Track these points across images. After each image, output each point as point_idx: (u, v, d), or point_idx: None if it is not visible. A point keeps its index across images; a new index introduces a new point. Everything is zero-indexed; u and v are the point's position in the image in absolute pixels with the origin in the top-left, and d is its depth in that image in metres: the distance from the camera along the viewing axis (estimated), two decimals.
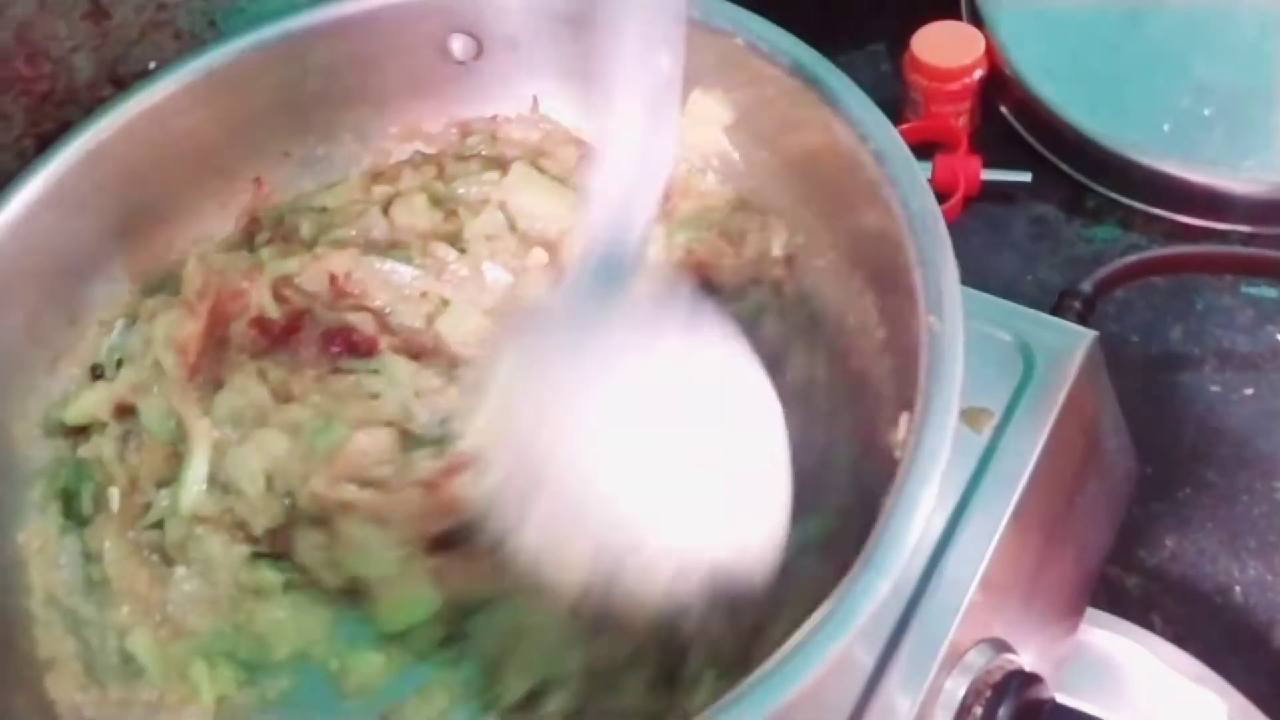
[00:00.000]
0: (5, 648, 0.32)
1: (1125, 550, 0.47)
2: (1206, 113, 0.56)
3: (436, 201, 0.40)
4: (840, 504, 0.31)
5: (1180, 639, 0.43)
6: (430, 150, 0.42)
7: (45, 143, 0.37)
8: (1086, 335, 0.40)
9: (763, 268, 0.36)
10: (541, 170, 0.40)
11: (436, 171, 0.42)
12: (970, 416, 0.39)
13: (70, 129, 0.37)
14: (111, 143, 0.37)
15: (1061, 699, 0.42)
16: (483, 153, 0.42)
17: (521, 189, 0.40)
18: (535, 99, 0.42)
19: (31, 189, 0.36)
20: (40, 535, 0.34)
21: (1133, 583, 0.47)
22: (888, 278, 0.31)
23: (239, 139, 0.40)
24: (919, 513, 0.24)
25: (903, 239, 0.28)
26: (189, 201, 0.40)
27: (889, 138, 0.30)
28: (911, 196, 0.28)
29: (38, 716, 0.31)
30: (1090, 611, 0.44)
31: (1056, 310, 0.46)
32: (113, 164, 0.37)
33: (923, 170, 0.58)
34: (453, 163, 0.42)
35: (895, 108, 0.63)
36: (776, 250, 0.37)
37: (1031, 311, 0.41)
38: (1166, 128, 0.57)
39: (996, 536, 0.36)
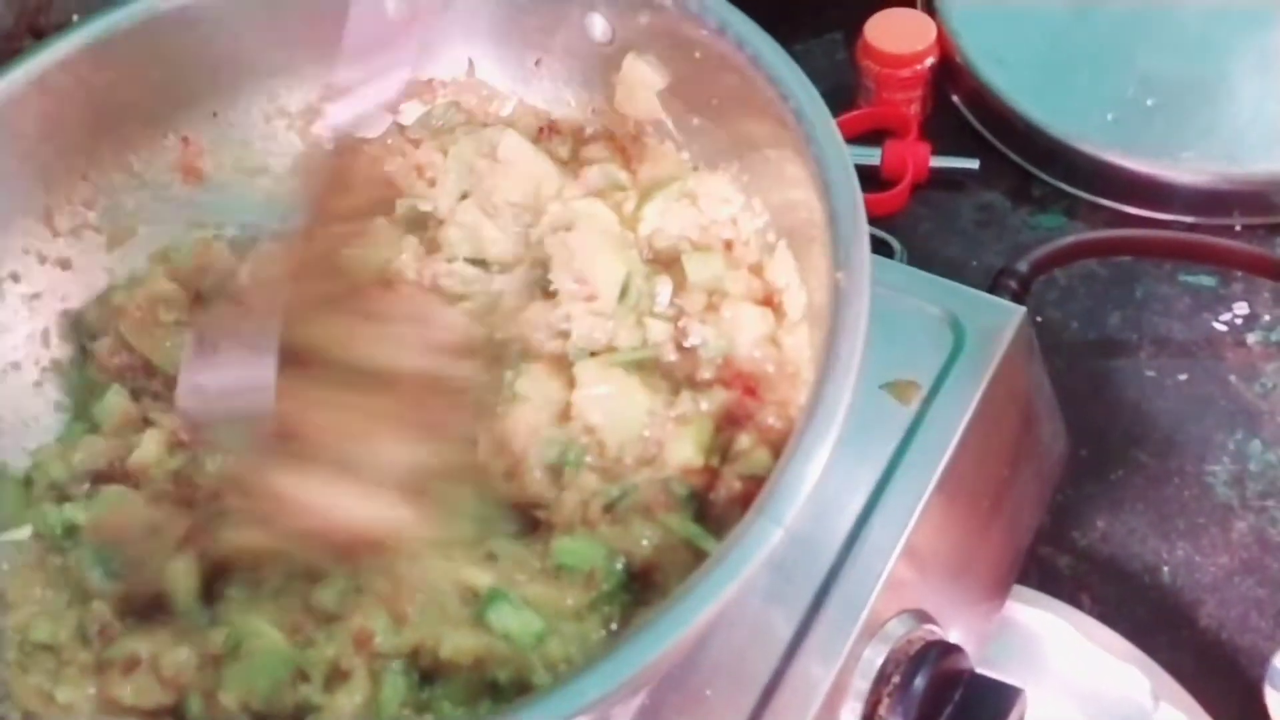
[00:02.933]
0: None
1: (1057, 530, 0.48)
2: (1149, 103, 0.57)
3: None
4: None
5: (1108, 618, 0.44)
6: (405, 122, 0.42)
7: None
8: (1017, 311, 0.40)
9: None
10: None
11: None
12: (898, 389, 0.39)
13: None
14: (26, 94, 0.36)
15: (985, 673, 0.42)
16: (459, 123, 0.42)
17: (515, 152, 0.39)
18: (470, 62, 0.42)
19: None
20: None
21: (1064, 562, 0.47)
22: (805, 241, 0.31)
23: (164, 94, 0.40)
24: (814, 461, 0.24)
25: (817, 196, 0.28)
26: (110, 155, 0.40)
27: (809, 96, 0.30)
28: (827, 152, 0.28)
29: None
30: (1017, 588, 0.44)
31: (992, 289, 0.46)
32: (28, 114, 0.37)
33: (871, 156, 0.61)
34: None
35: (849, 95, 0.63)
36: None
37: (964, 288, 0.42)
38: (1110, 117, 0.57)
39: (919, 507, 0.36)
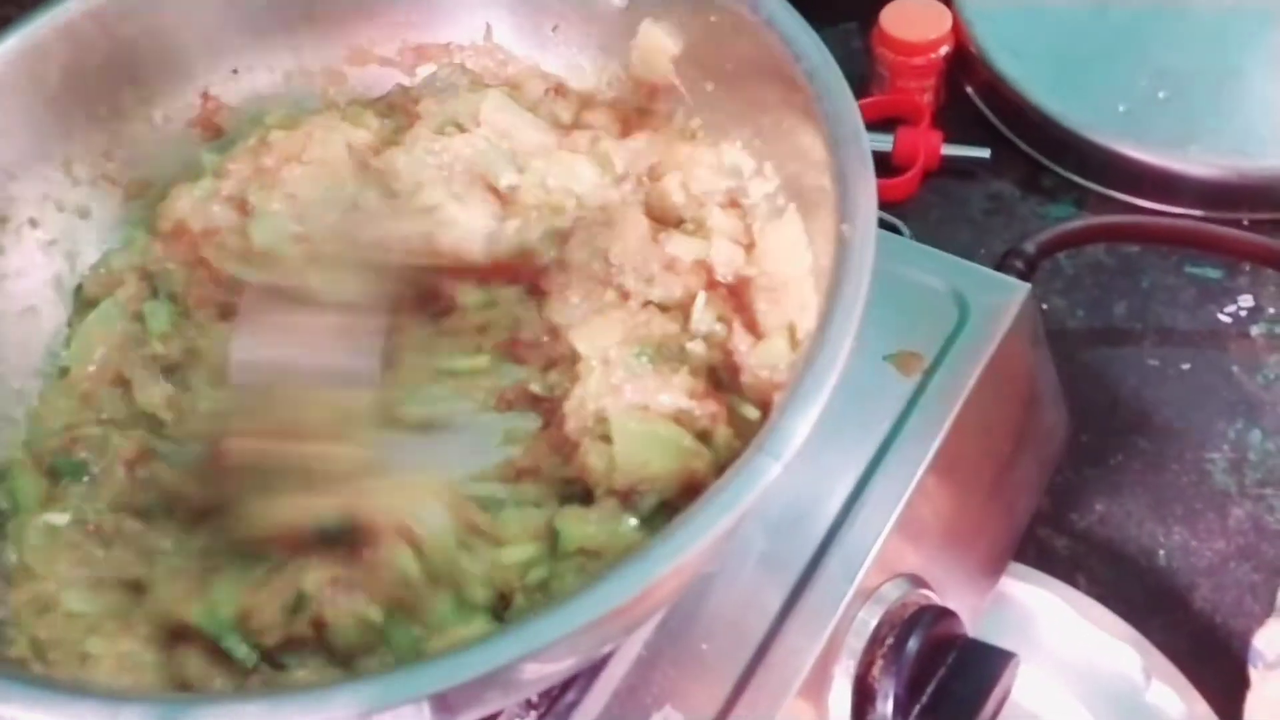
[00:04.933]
0: None
1: (1056, 512, 0.48)
2: (1161, 95, 0.57)
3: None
4: None
5: (1104, 598, 0.44)
6: (408, 82, 0.42)
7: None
8: (1021, 288, 0.41)
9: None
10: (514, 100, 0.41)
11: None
12: (901, 360, 0.39)
13: (7, 27, 0.37)
14: (52, 41, 0.37)
15: (977, 639, 0.42)
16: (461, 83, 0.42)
17: (498, 112, 0.40)
18: (489, 26, 0.42)
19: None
20: None
21: (1061, 543, 0.48)
22: (814, 205, 0.31)
23: (185, 51, 0.40)
24: (815, 405, 0.24)
25: (826, 153, 0.28)
26: (131, 106, 0.40)
27: (823, 58, 0.30)
28: (838, 108, 0.29)
29: None
30: (1014, 565, 0.44)
31: (999, 268, 0.47)
32: (53, 62, 0.37)
33: (883, 142, 0.62)
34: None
35: (863, 83, 0.64)
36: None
37: (970, 264, 0.42)
38: (1122, 109, 0.57)
39: (918, 475, 0.37)
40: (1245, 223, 0.56)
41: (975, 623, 0.42)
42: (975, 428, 0.39)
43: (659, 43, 0.38)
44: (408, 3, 0.41)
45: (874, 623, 0.35)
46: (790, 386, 0.25)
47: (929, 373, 0.39)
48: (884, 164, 0.61)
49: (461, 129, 0.39)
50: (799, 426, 0.24)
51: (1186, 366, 0.52)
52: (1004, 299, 0.41)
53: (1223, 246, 0.51)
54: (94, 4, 0.38)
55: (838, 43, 0.69)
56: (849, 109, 0.29)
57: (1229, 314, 0.53)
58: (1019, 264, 0.47)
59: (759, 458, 0.23)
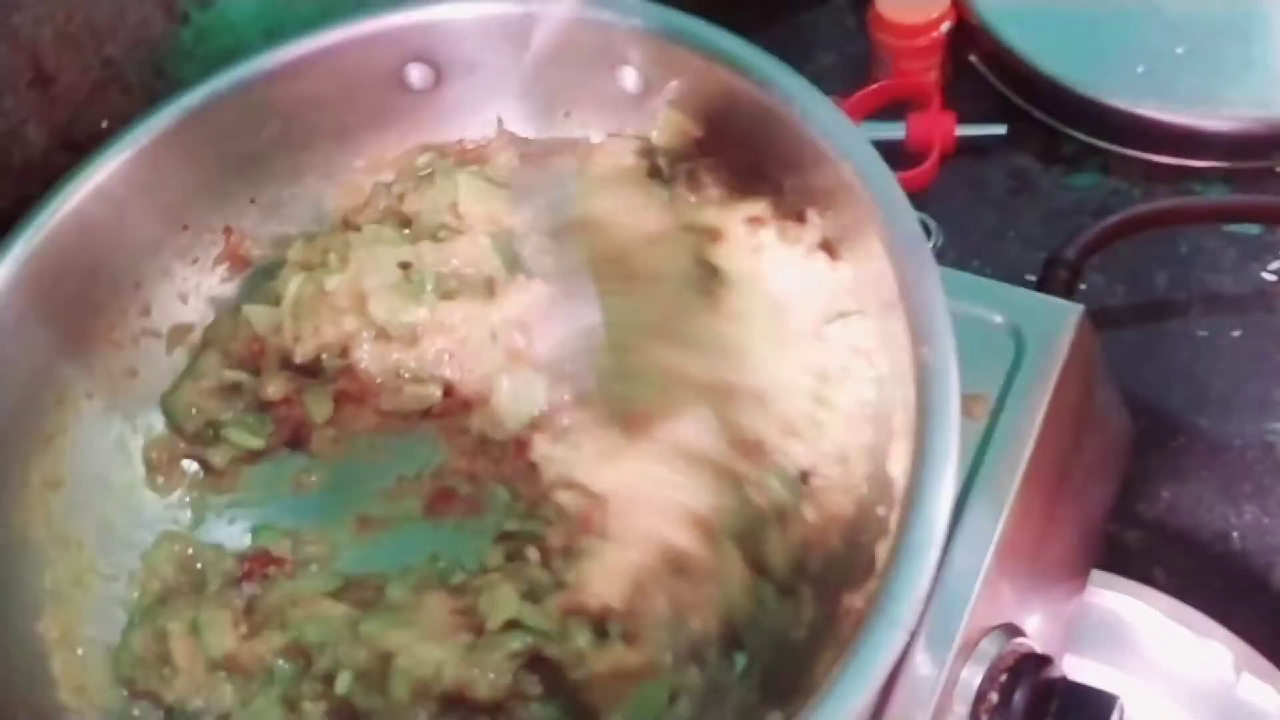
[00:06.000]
0: None
1: (1123, 506, 0.48)
2: (1179, 51, 0.56)
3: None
4: None
5: (1183, 590, 0.44)
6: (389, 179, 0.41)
7: (6, 221, 0.36)
8: (1074, 310, 0.40)
9: None
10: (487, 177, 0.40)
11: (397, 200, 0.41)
12: (966, 404, 0.39)
13: (31, 207, 0.36)
14: (73, 214, 0.36)
15: (1071, 660, 0.43)
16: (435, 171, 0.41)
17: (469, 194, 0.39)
18: (500, 120, 0.41)
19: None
20: (59, 624, 0.34)
21: (1133, 537, 0.48)
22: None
23: (202, 192, 0.40)
24: (928, 557, 0.24)
25: (889, 264, 0.28)
26: (161, 260, 0.40)
27: (866, 154, 0.29)
28: (896, 224, 0.28)
29: None
30: (1094, 573, 0.45)
31: (1043, 281, 0.46)
32: (75, 235, 0.37)
33: (894, 130, 0.60)
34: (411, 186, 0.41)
35: (862, 65, 0.62)
36: None
37: (1018, 290, 0.41)
38: (1140, 69, 0.56)
39: (1001, 521, 0.36)
40: (1277, 169, 0.55)
41: (1065, 638, 0.43)
42: (1048, 459, 0.39)
43: (681, 125, 0.37)
44: (417, 108, 0.40)
45: (976, 682, 0.35)
46: (898, 544, 0.25)
47: (995, 411, 0.39)
48: (897, 153, 0.60)
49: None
50: (917, 587, 0.24)
51: (1237, 334, 0.51)
52: (1058, 324, 0.40)
53: (1273, 215, 0.50)
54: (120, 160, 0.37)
55: (831, 23, 0.67)
56: (907, 218, 0.28)
57: (1273, 271, 0.53)
58: (1063, 273, 0.46)
59: (885, 627, 0.23)
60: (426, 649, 0.32)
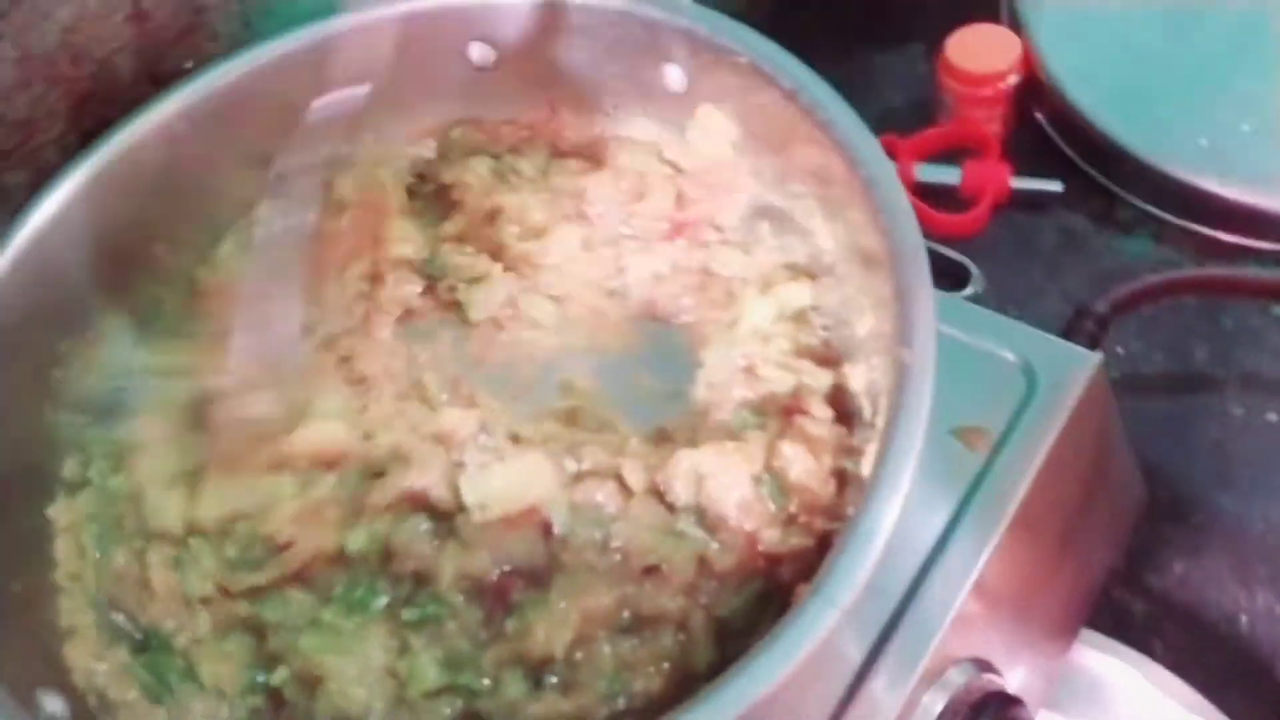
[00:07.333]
0: (28, 615, 0.34)
1: (1132, 573, 0.47)
2: (1245, 128, 0.55)
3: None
4: None
5: (1181, 666, 0.43)
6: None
7: (88, 139, 0.39)
8: (1091, 359, 0.40)
9: None
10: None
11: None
12: (966, 435, 0.39)
13: (111, 126, 0.38)
14: (151, 139, 0.39)
15: (1048, 714, 0.42)
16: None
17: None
18: (551, 106, 0.43)
19: (75, 180, 0.38)
20: (69, 512, 0.36)
21: (1138, 606, 0.47)
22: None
23: (268, 137, 0.42)
24: (874, 542, 0.24)
25: (888, 266, 0.28)
26: (225, 191, 0.42)
27: (880, 164, 0.30)
28: (896, 228, 0.28)
29: (55, 681, 0.33)
30: (1088, 633, 0.43)
31: (1069, 330, 0.46)
32: (152, 160, 0.39)
33: (950, 175, 0.60)
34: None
35: (929, 109, 0.63)
36: None
37: (1038, 332, 0.41)
38: (1204, 142, 0.55)
39: (985, 556, 0.36)
40: None
41: (1047, 694, 0.42)
42: (1044, 503, 0.38)
43: (719, 125, 0.38)
44: (471, 90, 0.42)
45: (938, 709, 0.35)
46: (850, 519, 0.25)
47: (996, 448, 0.38)
48: (951, 197, 0.60)
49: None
50: (856, 567, 0.24)
51: (1273, 417, 0.50)
52: (1073, 370, 0.40)
53: None
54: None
55: (904, 66, 0.67)
56: (908, 225, 0.29)
57: None
58: (1090, 324, 0.45)
59: (817, 604, 0.24)
60: (356, 691, 0.32)
